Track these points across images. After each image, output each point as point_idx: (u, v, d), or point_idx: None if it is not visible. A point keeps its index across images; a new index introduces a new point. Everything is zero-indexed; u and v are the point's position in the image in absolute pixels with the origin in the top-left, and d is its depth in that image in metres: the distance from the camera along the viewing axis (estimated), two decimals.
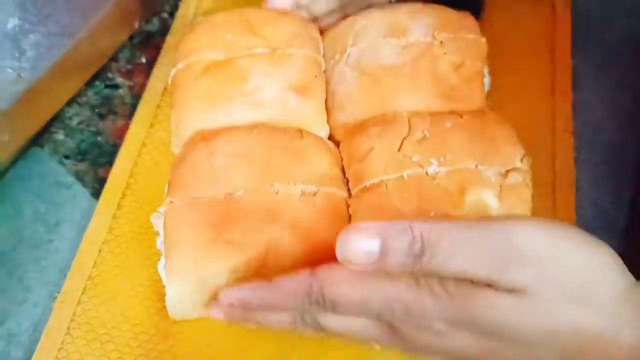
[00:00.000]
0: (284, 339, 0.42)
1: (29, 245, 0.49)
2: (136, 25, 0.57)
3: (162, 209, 0.42)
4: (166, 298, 0.40)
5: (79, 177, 0.52)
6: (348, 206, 0.43)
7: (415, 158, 0.42)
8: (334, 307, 0.33)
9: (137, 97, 0.56)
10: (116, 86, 0.57)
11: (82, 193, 0.51)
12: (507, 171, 0.41)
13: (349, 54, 0.48)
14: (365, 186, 0.42)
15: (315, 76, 0.48)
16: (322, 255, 0.38)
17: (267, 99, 0.46)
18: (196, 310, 0.41)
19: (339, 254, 0.32)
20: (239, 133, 0.45)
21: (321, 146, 0.45)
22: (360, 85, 0.47)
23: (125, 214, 0.48)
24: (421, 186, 0.41)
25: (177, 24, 0.59)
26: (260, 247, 0.39)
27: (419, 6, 0.49)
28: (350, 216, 0.42)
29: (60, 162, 0.53)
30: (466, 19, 0.49)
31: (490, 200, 0.40)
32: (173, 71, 0.49)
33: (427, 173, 0.41)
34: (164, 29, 0.60)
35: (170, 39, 0.57)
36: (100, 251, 0.46)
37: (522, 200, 0.41)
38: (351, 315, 0.34)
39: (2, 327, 0.45)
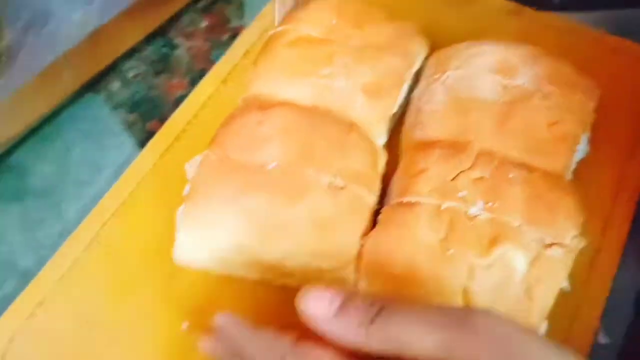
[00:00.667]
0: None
1: (73, 183, 0.52)
2: None
3: (198, 158, 0.43)
4: (175, 241, 0.42)
5: (128, 126, 0.55)
6: (377, 213, 0.43)
7: (462, 194, 0.40)
8: None
9: (194, 59, 0.58)
10: (175, 46, 0.59)
11: (128, 142, 0.54)
12: (552, 244, 0.39)
13: (448, 76, 0.47)
14: (402, 201, 0.42)
15: (391, 87, 0.47)
16: (329, 247, 0.39)
17: (337, 88, 0.47)
18: (198, 262, 0.43)
19: (299, 303, 0.33)
20: (292, 111, 0.45)
21: (366, 146, 0.45)
22: (447, 110, 0.45)
23: (173, 157, 0.50)
24: (455, 222, 0.39)
25: None
26: (272, 223, 0.40)
27: (537, 52, 0.47)
28: (373, 223, 0.42)
29: (113, 111, 0.55)
30: (584, 81, 0.47)
31: (518, 262, 0.38)
32: (271, 32, 0.51)
33: (466, 212, 0.40)
34: None
35: (268, 9, 0.58)
36: (138, 184, 0.48)
37: (552, 277, 0.39)
38: None
39: (35, 254, 0.48)
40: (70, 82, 0.51)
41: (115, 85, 0.57)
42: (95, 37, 0.50)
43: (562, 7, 0.60)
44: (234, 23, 0.61)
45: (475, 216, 0.40)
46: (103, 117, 0.55)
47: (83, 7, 0.48)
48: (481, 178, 0.41)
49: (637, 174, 0.48)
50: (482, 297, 0.38)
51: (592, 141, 0.47)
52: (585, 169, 0.46)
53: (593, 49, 0.54)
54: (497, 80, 0.45)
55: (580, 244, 0.40)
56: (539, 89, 0.45)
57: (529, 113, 0.43)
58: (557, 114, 0.44)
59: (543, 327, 0.39)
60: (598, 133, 0.47)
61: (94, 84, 0.56)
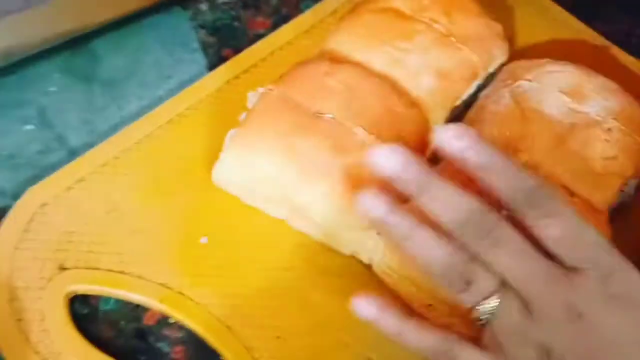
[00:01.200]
0: None
1: (139, 83, 0.54)
2: None
3: (261, 90, 0.45)
4: (218, 161, 0.44)
5: (205, 47, 0.57)
6: None
7: None
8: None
9: (283, 2, 0.60)
10: None
11: (200, 61, 0.56)
12: None
13: (519, 85, 0.47)
14: None
15: (462, 79, 0.48)
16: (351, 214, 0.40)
17: (409, 64, 0.47)
18: (234, 187, 0.45)
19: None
20: (362, 72, 0.47)
21: (421, 126, 0.46)
22: (509, 114, 0.46)
23: (238, 85, 0.51)
24: None
25: None
26: (312, 168, 0.42)
27: (613, 87, 0.47)
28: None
29: (195, 28, 0.57)
30: None
31: None
32: None
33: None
34: None
35: None
36: (199, 101, 0.50)
37: None
38: None
39: (88, 137, 0.50)
40: None
41: (203, 6, 0.59)
42: None
43: None
44: None
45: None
46: (184, 32, 0.57)
47: None
48: None
49: None
50: None
51: None
52: (625, 214, 0.47)
53: None
54: (566, 102, 0.45)
55: None
56: (605, 121, 0.45)
57: (587, 140, 0.44)
58: (614, 150, 0.44)
59: None
60: None
61: (183, 0, 0.58)
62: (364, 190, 0.35)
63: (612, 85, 0.47)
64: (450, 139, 0.34)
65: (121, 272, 0.43)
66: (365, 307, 0.35)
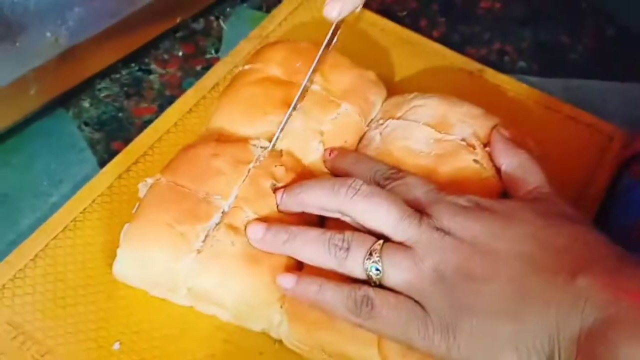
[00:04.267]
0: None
1: (31, 195, 0.53)
2: (178, 20, 0.61)
3: (150, 180, 0.45)
4: (116, 257, 0.43)
5: (92, 144, 0.56)
6: None
7: None
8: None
9: (165, 85, 0.60)
10: (149, 72, 0.61)
11: (90, 159, 0.55)
12: None
13: (387, 125, 0.49)
14: None
15: (345, 141, 0.49)
16: (259, 282, 0.42)
17: (294, 131, 0.48)
18: (135, 281, 0.44)
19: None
20: (247, 149, 0.47)
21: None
22: (378, 155, 0.47)
23: (131, 178, 0.51)
24: None
25: (254, 33, 0.61)
26: (207, 254, 0.42)
27: (478, 112, 0.49)
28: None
29: (80, 127, 0.57)
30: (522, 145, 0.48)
31: None
32: (240, 68, 0.53)
33: None
34: (207, 30, 0.64)
35: (242, 45, 0.61)
36: (93, 202, 0.50)
37: None
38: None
39: None
40: (37, 98, 0.52)
41: (85, 103, 0.58)
42: (68, 56, 0.52)
43: (525, 72, 0.63)
44: (210, 55, 0.63)
45: None
46: (69, 133, 0.57)
47: (57, 26, 0.50)
48: None
49: None
50: (394, 352, 0.40)
51: None
52: None
53: (546, 114, 0.56)
54: (431, 134, 0.47)
55: None
56: (471, 145, 0.47)
57: (458, 166, 0.46)
58: (483, 171, 0.46)
59: None
60: None
61: (65, 100, 0.58)
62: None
63: (477, 110, 0.49)
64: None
65: None
66: (286, 279, 0.41)
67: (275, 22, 0.63)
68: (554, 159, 0.51)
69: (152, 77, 0.61)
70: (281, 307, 0.42)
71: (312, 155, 0.48)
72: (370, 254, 0.39)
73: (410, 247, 0.39)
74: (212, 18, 0.66)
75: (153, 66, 0.62)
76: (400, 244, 0.39)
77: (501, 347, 0.36)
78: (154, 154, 0.53)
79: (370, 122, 0.51)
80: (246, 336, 0.44)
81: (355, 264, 0.39)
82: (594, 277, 0.35)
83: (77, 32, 0.51)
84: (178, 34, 0.64)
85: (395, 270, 0.38)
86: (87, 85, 0.59)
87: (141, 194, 0.46)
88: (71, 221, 0.49)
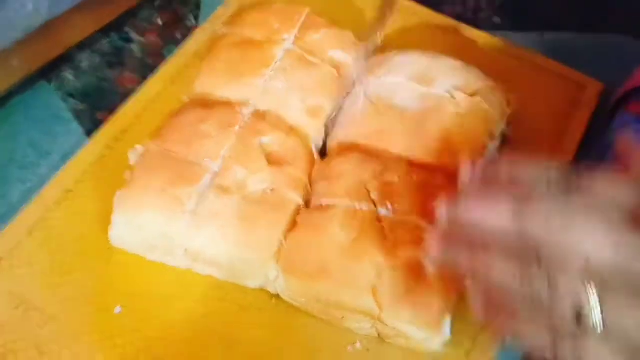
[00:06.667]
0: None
1: (18, 166, 0.53)
2: None
3: (140, 147, 0.46)
4: (111, 224, 0.44)
5: (77, 115, 0.56)
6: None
7: (373, 195, 0.43)
8: None
9: (146, 54, 0.60)
10: (129, 40, 0.61)
11: (77, 130, 0.56)
12: None
13: (370, 83, 0.50)
14: (320, 204, 0.45)
15: (328, 93, 0.50)
16: (252, 240, 0.43)
17: (276, 91, 0.49)
18: (132, 246, 0.45)
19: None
20: (234, 111, 0.48)
21: (300, 152, 0.48)
22: (365, 114, 0.48)
23: (119, 147, 0.52)
24: (366, 223, 0.42)
25: None
26: (200, 214, 0.43)
27: (458, 64, 0.50)
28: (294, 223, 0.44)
29: (63, 99, 0.57)
30: (498, 95, 0.50)
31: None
32: (217, 33, 0.54)
33: (377, 214, 0.43)
34: None
35: (220, 11, 0.60)
36: (84, 172, 0.50)
37: None
38: None
39: None
40: (19, 70, 0.52)
41: (68, 75, 0.58)
42: (48, 28, 0.52)
43: (500, 27, 0.64)
44: (189, 22, 0.63)
45: (385, 217, 0.43)
46: (53, 105, 0.57)
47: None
48: (390, 182, 0.44)
49: None
50: (389, 298, 0.41)
51: (512, 147, 0.51)
52: None
53: (521, 67, 0.58)
54: (416, 89, 0.48)
55: None
56: (453, 98, 0.48)
57: (441, 119, 0.47)
58: (467, 122, 0.47)
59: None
60: (515, 143, 0.51)
61: (46, 72, 0.58)
62: None
63: (457, 63, 0.51)
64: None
65: None
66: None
67: None
68: (529, 111, 0.53)
69: (132, 46, 0.61)
70: (277, 262, 0.43)
71: (294, 112, 0.49)
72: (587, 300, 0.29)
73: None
74: None
75: (133, 35, 0.61)
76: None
77: None
78: (141, 123, 0.54)
79: (353, 82, 0.52)
80: (243, 294, 0.45)
81: (564, 311, 0.30)
82: None
83: (57, 3, 0.50)
84: (156, 3, 0.64)
85: (626, 320, 0.29)
86: (68, 57, 0.59)
87: (131, 161, 0.47)
88: (63, 192, 0.50)
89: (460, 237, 0.34)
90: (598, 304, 0.29)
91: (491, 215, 0.32)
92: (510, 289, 0.31)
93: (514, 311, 0.31)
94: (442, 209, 0.35)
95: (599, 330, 0.29)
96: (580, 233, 0.29)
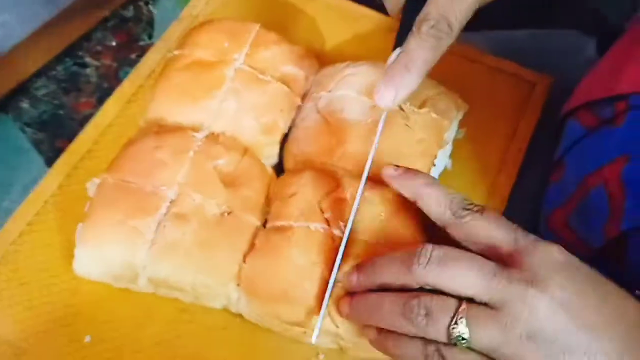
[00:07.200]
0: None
1: None
2: (107, 12, 0.62)
3: (96, 180, 0.46)
4: (75, 256, 0.45)
5: (37, 145, 0.57)
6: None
7: (327, 215, 0.44)
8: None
9: (102, 77, 0.61)
10: (84, 65, 0.62)
11: (37, 160, 0.56)
12: None
13: (321, 97, 0.50)
14: (276, 225, 0.45)
15: (281, 110, 0.51)
16: (212, 265, 0.44)
17: (228, 112, 0.50)
18: (96, 276, 0.46)
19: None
20: (187, 137, 0.48)
21: (256, 172, 0.49)
22: (317, 129, 0.49)
23: (79, 175, 0.52)
24: (322, 243, 0.43)
25: (184, 13, 0.61)
26: (160, 244, 0.44)
27: None
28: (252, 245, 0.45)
29: (22, 129, 0.58)
30: (449, 100, 0.51)
31: None
32: (167, 56, 0.54)
33: (332, 233, 0.44)
34: (138, 17, 0.65)
35: (173, 27, 0.60)
36: (45, 203, 0.51)
37: None
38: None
39: None
40: None
41: (24, 104, 0.59)
42: (2, 62, 0.52)
43: None
44: (143, 42, 0.64)
45: (339, 237, 0.43)
46: (12, 136, 0.57)
47: None
48: (343, 199, 0.45)
49: (506, 181, 0.54)
50: None
51: (465, 149, 0.53)
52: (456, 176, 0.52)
53: (471, 67, 0.59)
54: (365, 102, 0.49)
55: None
56: (402, 110, 0.49)
57: (391, 134, 0.47)
58: (416, 133, 0.48)
59: None
60: (469, 144, 0.53)
61: (3, 104, 0.58)
62: None
63: None
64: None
65: None
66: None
67: (203, 0, 0.63)
68: (480, 112, 0.54)
69: (88, 70, 0.62)
70: (238, 285, 0.44)
71: (248, 131, 0.50)
72: (455, 322, 0.36)
73: (498, 310, 0.36)
74: (142, 3, 0.66)
75: (88, 59, 0.62)
76: (485, 304, 0.36)
77: None
78: (99, 149, 0.54)
79: (303, 95, 0.53)
80: (209, 315, 0.47)
81: (439, 332, 0.36)
82: None
83: (8, 38, 0.51)
84: (109, 24, 0.64)
85: (484, 338, 0.35)
86: (24, 86, 0.59)
87: (90, 193, 0.48)
88: (26, 225, 0.50)
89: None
90: (465, 322, 0.36)
91: (387, 274, 0.40)
92: (396, 319, 0.38)
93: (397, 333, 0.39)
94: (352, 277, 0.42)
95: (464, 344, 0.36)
96: (452, 275, 0.37)
